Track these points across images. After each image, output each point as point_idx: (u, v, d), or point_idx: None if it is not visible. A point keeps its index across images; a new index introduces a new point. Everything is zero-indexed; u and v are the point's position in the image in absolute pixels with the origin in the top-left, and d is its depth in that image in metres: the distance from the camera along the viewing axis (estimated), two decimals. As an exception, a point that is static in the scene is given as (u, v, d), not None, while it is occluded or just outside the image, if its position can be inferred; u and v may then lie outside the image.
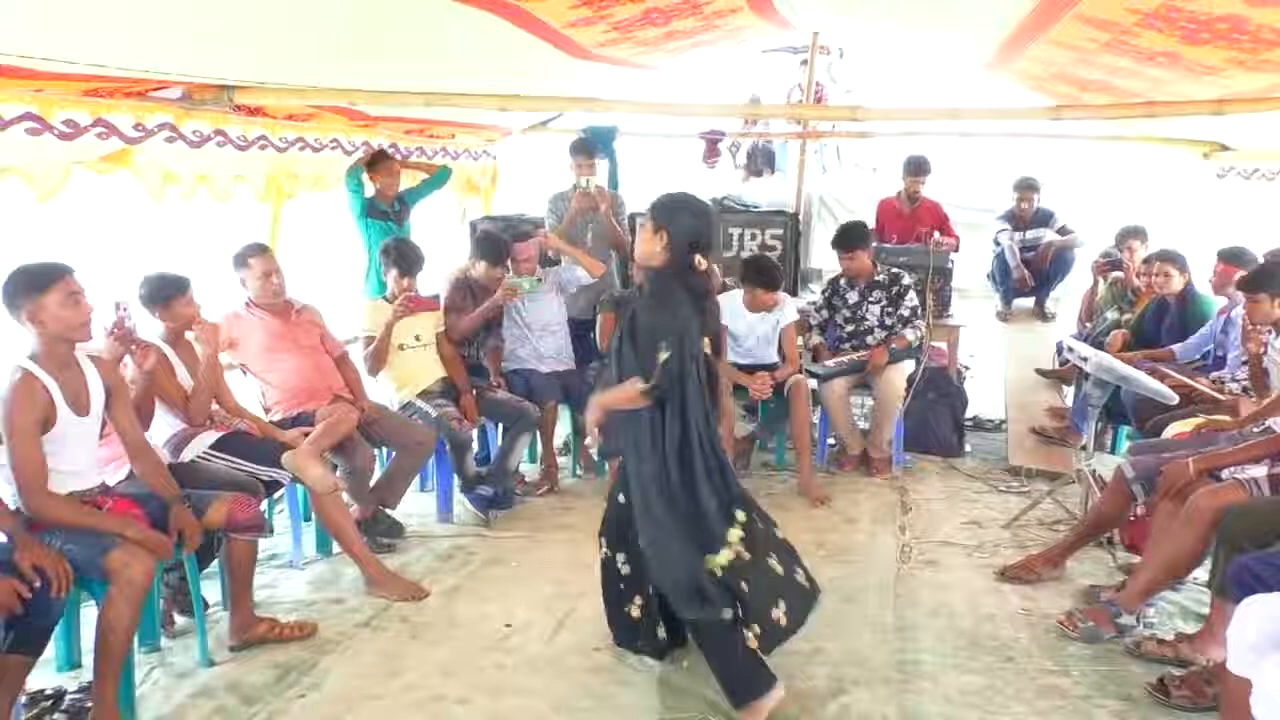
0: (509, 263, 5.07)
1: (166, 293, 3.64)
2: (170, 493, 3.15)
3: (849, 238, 5.40)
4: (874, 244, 5.71)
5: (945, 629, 3.54)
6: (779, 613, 2.98)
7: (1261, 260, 4.56)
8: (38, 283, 2.83)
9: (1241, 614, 2.32)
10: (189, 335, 3.73)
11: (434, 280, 5.51)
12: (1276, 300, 3.87)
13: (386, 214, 5.42)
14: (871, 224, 6.25)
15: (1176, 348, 5.00)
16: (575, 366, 5.36)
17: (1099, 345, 5.21)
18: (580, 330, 5.54)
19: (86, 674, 3.11)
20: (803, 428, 5.05)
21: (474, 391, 4.81)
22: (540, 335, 5.23)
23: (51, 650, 3.00)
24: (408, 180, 5.68)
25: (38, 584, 2.61)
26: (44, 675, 3.07)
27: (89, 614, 3.10)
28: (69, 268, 2.91)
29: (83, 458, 3.02)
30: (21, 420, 2.77)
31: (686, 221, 2.92)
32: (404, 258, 4.68)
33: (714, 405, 3.02)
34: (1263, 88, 3.88)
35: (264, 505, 3.67)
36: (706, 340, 3.02)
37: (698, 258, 2.94)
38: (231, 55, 3.57)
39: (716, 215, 3.10)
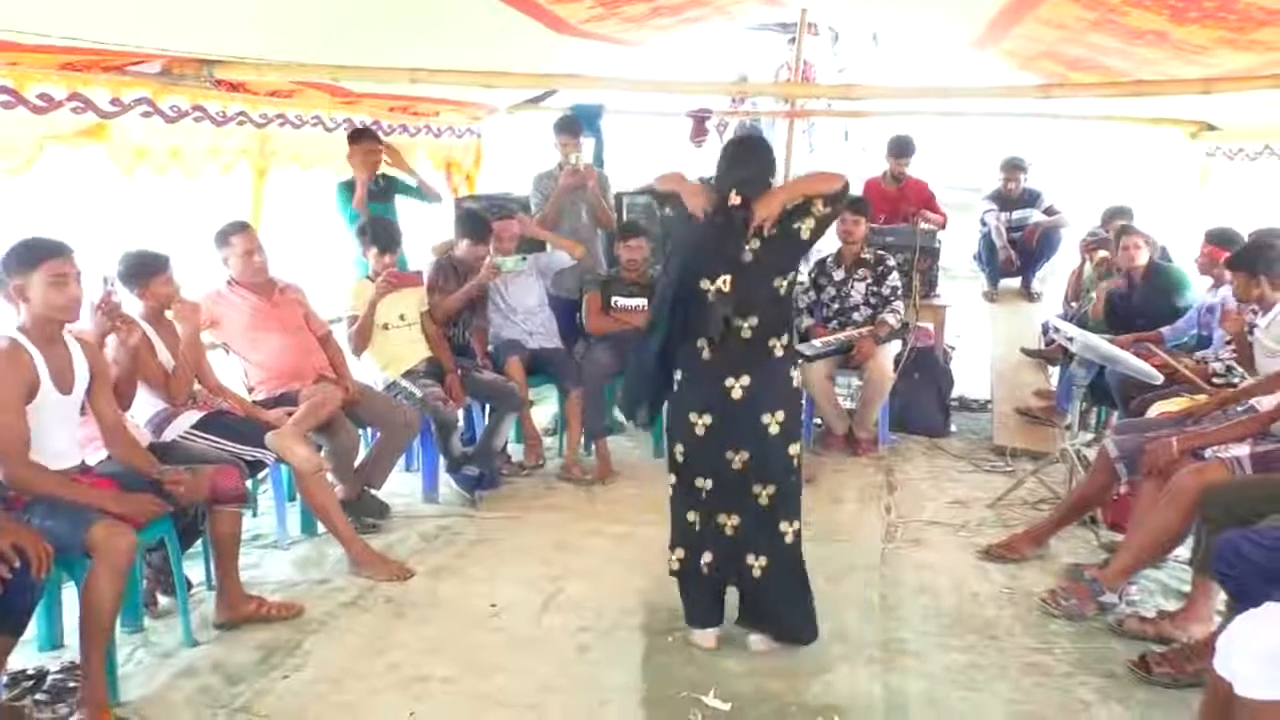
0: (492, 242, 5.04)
1: (145, 270, 3.60)
2: (151, 466, 3.14)
3: (857, 202, 5.48)
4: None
5: (930, 607, 3.56)
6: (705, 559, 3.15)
7: (1247, 240, 4.57)
8: (29, 259, 2.81)
9: (1249, 623, 2.17)
10: (169, 314, 3.69)
11: (418, 257, 5.48)
12: (1261, 278, 3.87)
13: (373, 193, 5.35)
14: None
15: (1165, 330, 5.02)
16: (562, 345, 5.33)
17: (1085, 325, 5.23)
18: (568, 310, 5.52)
19: (68, 654, 3.10)
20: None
21: (459, 371, 4.78)
22: (524, 318, 5.21)
23: (32, 630, 2.97)
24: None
25: (17, 564, 2.58)
26: (25, 655, 3.05)
27: (70, 594, 3.08)
28: (66, 248, 2.87)
29: (63, 436, 2.99)
30: (4, 389, 2.74)
31: (721, 167, 3.17)
32: (381, 235, 4.64)
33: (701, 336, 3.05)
34: (1250, 66, 3.87)
35: (248, 485, 3.65)
36: (727, 279, 3.01)
37: (733, 193, 2.99)
38: (212, 30, 3.51)
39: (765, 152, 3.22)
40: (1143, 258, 5.26)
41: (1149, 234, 5.35)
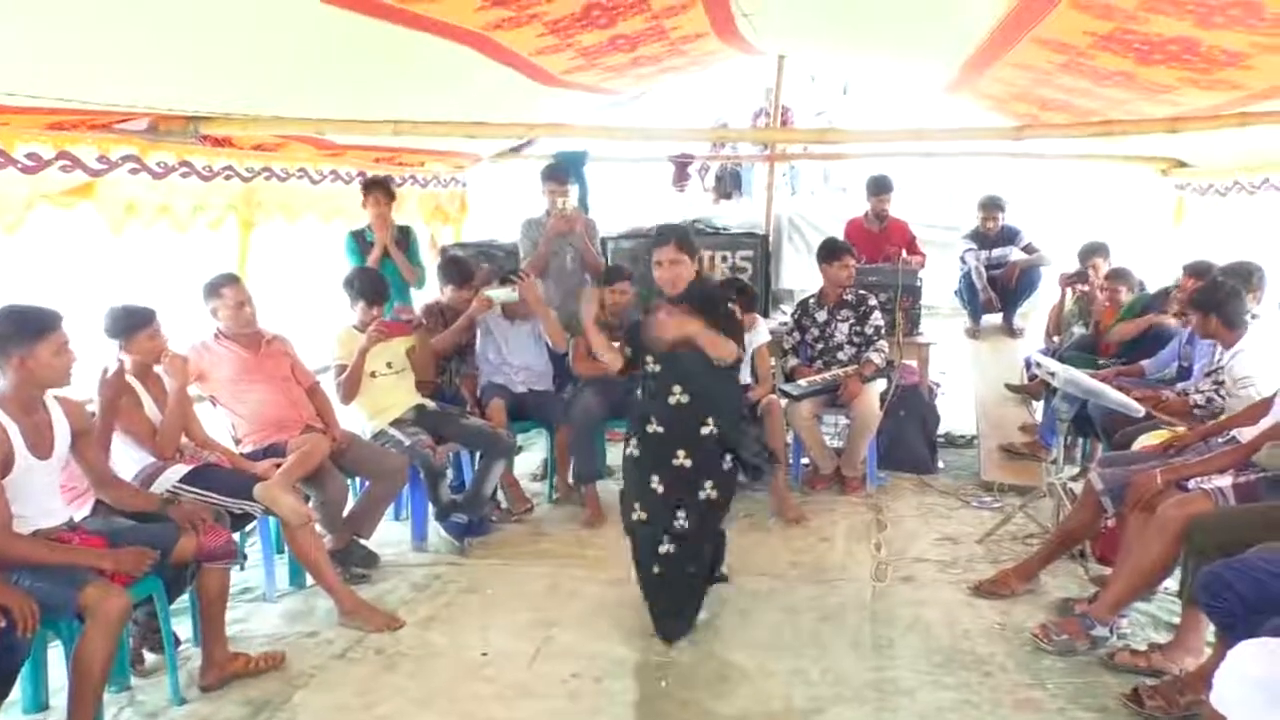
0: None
1: (129, 325, 3.60)
2: (152, 501, 3.15)
3: (837, 248, 5.58)
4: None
5: (922, 645, 3.56)
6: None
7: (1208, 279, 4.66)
8: (33, 330, 2.83)
9: (1243, 656, 2.21)
10: (157, 369, 3.70)
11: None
12: (1213, 318, 4.04)
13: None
14: (841, 244, 6.33)
15: (1147, 364, 5.08)
16: (552, 388, 5.36)
17: (1085, 353, 5.29)
18: (557, 354, 5.54)
19: (54, 715, 3.06)
20: (777, 448, 5.06)
21: (447, 416, 4.79)
22: (518, 370, 5.23)
23: (18, 691, 2.93)
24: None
25: (2, 624, 2.56)
26: (11, 717, 3.00)
27: (55, 654, 3.05)
28: (60, 316, 2.91)
29: (46, 498, 2.98)
30: None
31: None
32: (368, 288, 4.66)
33: None
34: (1217, 104, 3.98)
35: (236, 538, 3.62)
36: None
37: None
38: (198, 86, 3.57)
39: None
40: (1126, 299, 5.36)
41: (1129, 270, 5.46)
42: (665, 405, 3.53)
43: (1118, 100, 4.51)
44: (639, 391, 3.71)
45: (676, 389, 3.51)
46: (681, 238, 3.56)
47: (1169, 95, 4.11)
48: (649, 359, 3.58)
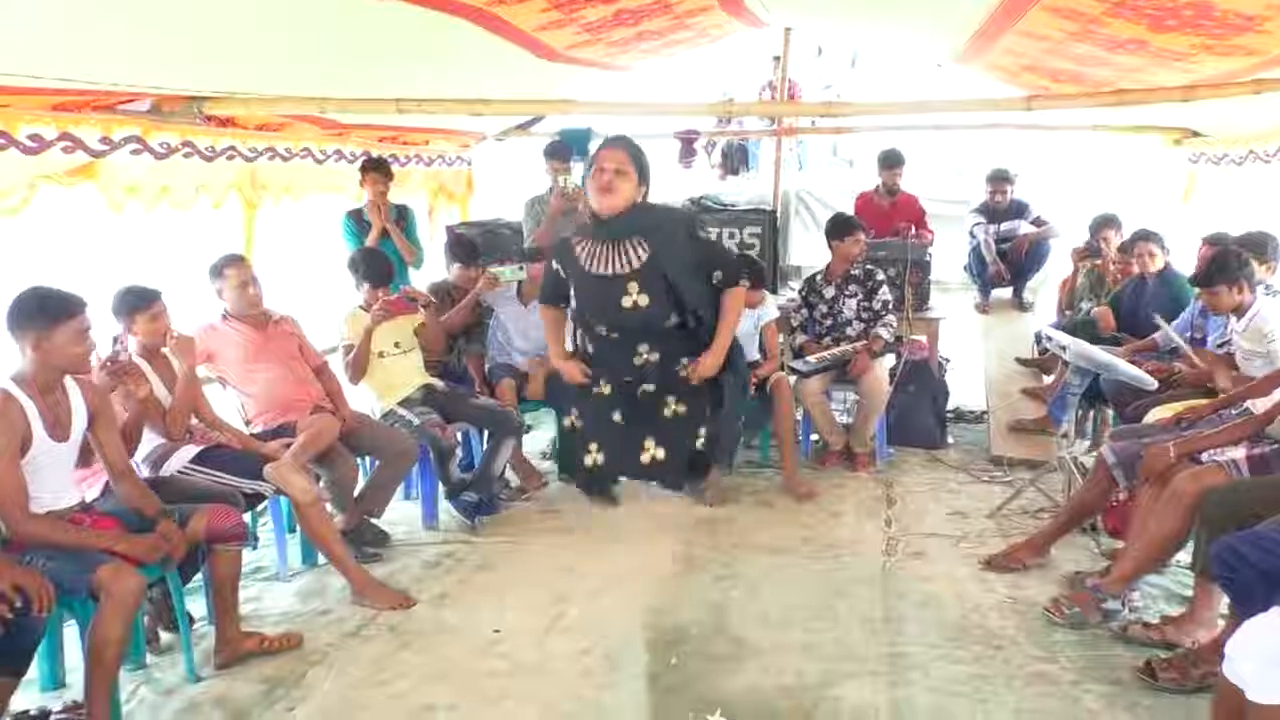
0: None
1: (131, 305, 3.59)
2: (154, 508, 3.13)
3: (849, 223, 5.54)
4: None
5: (933, 620, 3.56)
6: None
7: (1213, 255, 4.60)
8: (52, 313, 2.82)
9: (1257, 629, 2.18)
10: (165, 350, 3.70)
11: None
12: (1233, 288, 3.97)
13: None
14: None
15: (1158, 336, 5.04)
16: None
17: (1085, 331, 5.26)
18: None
19: (71, 693, 3.08)
20: (786, 424, 5.06)
21: (456, 396, 4.78)
22: (524, 353, 5.22)
23: (34, 670, 2.96)
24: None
25: (18, 604, 2.58)
26: (28, 695, 3.03)
27: (72, 632, 3.07)
28: (84, 303, 2.90)
29: (59, 480, 2.98)
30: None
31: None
32: (373, 269, 4.65)
33: None
34: (1234, 71, 3.92)
35: (247, 518, 3.64)
36: None
37: None
38: (201, 66, 3.55)
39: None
40: (1158, 264, 5.29)
41: (1160, 237, 5.38)
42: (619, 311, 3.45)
43: (1130, 69, 4.45)
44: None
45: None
46: (636, 150, 3.13)
47: (1182, 63, 4.05)
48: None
